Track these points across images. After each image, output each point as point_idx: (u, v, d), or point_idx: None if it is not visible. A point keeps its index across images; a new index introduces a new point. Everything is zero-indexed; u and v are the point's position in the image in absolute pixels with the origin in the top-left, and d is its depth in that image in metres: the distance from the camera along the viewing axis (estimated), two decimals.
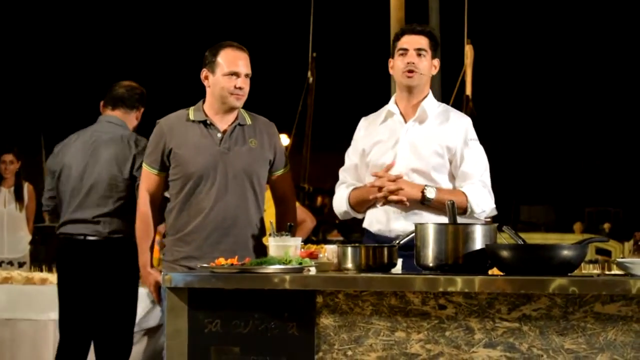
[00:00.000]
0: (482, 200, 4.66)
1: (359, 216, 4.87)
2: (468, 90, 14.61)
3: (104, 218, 5.84)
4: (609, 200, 30.97)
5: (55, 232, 6.12)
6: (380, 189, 4.62)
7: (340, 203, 4.86)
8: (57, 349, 6.01)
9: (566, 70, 27.53)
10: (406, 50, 4.72)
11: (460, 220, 4.08)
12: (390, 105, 4.83)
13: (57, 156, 6.05)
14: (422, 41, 4.74)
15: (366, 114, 5.00)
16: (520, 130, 29.85)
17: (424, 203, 4.60)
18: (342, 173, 4.91)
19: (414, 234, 3.95)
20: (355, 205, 4.81)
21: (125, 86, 6.06)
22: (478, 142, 4.77)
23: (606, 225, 23.35)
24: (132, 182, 5.81)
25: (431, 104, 4.78)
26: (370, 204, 4.74)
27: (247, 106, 4.99)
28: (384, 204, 4.64)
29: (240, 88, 4.82)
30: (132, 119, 6.06)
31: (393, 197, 4.59)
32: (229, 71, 4.80)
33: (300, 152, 19.83)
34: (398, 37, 4.79)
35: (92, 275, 5.88)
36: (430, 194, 4.58)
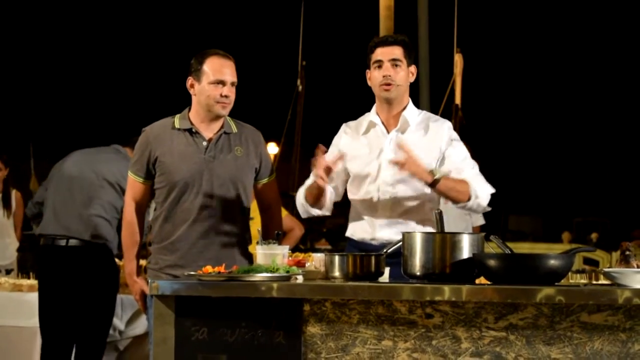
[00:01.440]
0: (481, 188, 4.55)
1: (314, 211, 4.76)
2: (457, 99, 14.64)
3: (89, 221, 6.01)
4: (597, 210, 31.08)
5: (36, 235, 6.30)
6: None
7: (299, 198, 4.79)
8: (40, 354, 6.13)
9: (555, 81, 27.60)
10: (381, 62, 4.68)
11: (449, 228, 4.08)
12: (372, 116, 4.79)
13: (56, 167, 6.39)
14: (396, 51, 4.69)
15: None
16: (510, 140, 29.91)
17: (433, 185, 4.44)
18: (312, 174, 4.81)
19: (401, 243, 3.96)
20: (308, 195, 4.71)
21: None
22: (461, 143, 4.73)
23: (594, 235, 23.43)
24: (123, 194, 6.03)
25: (412, 113, 4.76)
26: (319, 191, 4.62)
27: (236, 114, 4.97)
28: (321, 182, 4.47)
29: (226, 96, 4.79)
30: None
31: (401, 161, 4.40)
32: (215, 79, 4.77)
33: (289, 160, 19.85)
34: (372, 49, 4.73)
35: (74, 280, 6.01)
36: (439, 173, 4.41)
